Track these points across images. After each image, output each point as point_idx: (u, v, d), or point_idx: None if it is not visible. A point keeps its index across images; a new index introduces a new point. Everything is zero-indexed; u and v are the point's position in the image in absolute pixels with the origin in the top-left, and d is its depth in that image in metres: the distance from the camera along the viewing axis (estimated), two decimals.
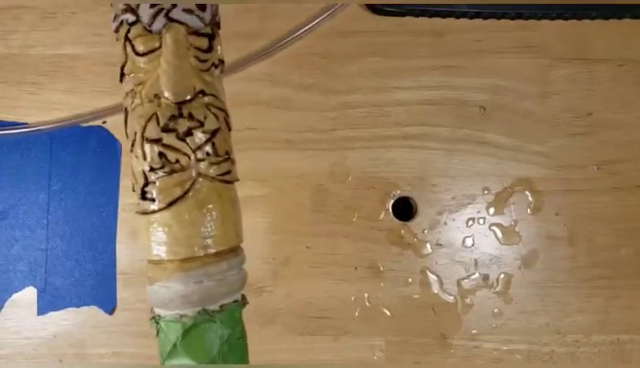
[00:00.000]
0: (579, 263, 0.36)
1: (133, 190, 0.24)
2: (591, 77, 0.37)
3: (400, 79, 0.37)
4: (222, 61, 0.26)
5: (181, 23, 0.24)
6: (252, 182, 0.36)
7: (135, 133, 0.24)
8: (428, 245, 0.37)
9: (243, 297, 0.25)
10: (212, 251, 0.24)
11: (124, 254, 0.36)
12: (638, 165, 0.37)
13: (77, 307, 0.36)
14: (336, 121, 0.37)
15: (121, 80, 0.25)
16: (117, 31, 0.25)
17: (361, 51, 0.37)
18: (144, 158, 0.24)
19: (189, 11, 0.25)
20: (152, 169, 0.24)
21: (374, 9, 0.37)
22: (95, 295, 0.36)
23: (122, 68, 0.25)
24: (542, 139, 0.37)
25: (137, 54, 0.24)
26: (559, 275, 0.36)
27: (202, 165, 0.24)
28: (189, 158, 0.24)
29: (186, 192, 0.24)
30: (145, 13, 0.24)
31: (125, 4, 0.24)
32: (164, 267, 0.24)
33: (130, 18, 0.24)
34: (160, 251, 0.24)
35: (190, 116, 0.24)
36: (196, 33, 0.25)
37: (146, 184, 0.24)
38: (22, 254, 0.36)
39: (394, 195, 0.37)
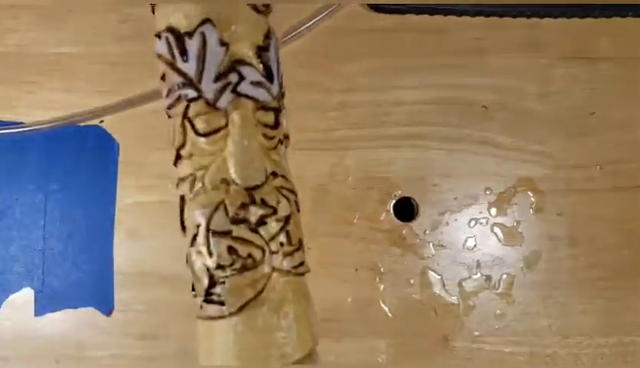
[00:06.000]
0: (582, 264, 0.36)
1: (193, 290, 0.21)
2: (593, 76, 0.37)
3: (401, 78, 0.37)
4: (287, 136, 0.23)
5: (249, 98, 0.22)
6: None
7: (198, 226, 0.21)
8: (430, 246, 0.36)
9: None
10: (290, 360, 0.20)
11: (122, 254, 0.36)
12: None
13: (75, 308, 0.36)
14: (336, 121, 0.37)
15: (176, 163, 0.22)
16: (171, 107, 0.22)
17: (362, 50, 0.37)
18: (210, 254, 0.21)
19: (258, 84, 0.22)
20: (219, 267, 0.21)
21: (375, 7, 0.37)
22: (92, 296, 0.36)
23: (178, 150, 0.22)
24: (544, 139, 0.37)
25: (198, 134, 0.21)
26: (561, 276, 0.36)
27: (276, 258, 0.21)
28: (264, 251, 0.21)
29: (260, 292, 0.21)
30: (209, 88, 0.21)
31: (185, 79, 0.21)
32: None
33: (191, 93, 0.21)
34: (229, 362, 0.20)
35: (263, 203, 0.21)
36: (263, 108, 0.22)
37: (213, 284, 0.21)
38: (19, 255, 0.36)
39: (395, 196, 0.37)
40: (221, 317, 0.21)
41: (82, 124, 0.36)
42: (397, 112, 0.37)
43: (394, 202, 0.37)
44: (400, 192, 0.37)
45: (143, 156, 0.36)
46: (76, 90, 0.37)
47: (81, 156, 0.36)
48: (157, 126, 0.36)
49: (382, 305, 0.36)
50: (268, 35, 0.23)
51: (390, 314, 0.36)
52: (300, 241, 0.22)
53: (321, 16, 0.36)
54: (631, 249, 0.36)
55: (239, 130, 0.21)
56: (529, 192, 0.37)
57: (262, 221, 0.21)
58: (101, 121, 0.37)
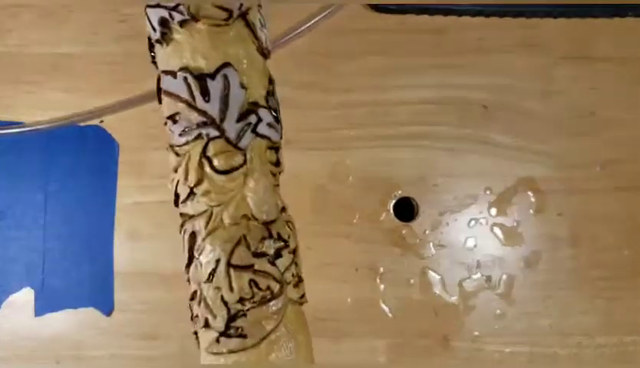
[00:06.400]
0: (582, 264, 0.36)
1: (206, 326, 0.22)
2: (594, 76, 0.37)
3: (401, 78, 0.37)
4: (280, 173, 0.25)
5: (265, 138, 0.23)
6: None
7: (217, 261, 0.22)
8: (430, 246, 0.36)
9: None
10: None
11: (122, 255, 0.36)
12: None
13: (75, 308, 0.36)
14: (336, 120, 0.37)
15: (185, 201, 0.23)
16: (185, 144, 0.22)
17: (362, 50, 0.37)
18: (231, 289, 0.21)
19: (270, 125, 0.23)
20: (240, 300, 0.21)
21: (376, 7, 0.37)
22: (92, 296, 0.36)
23: (192, 188, 0.22)
24: (544, 139, 0.37)
25: (218, 172, 0.22)
26: (561, 276, 0.36)
27: (289, 288, 0.23)
28: (281, 283, 0.22)
29: (279, 323, 0.22)
30: (231, 128, 0.22)
31: (206, 118, 0.22)
32: None
33: (213, 132, 0.22)
34: None
35: (278, 237, 0.23)
36: (270, 147, 0.23)
37: (232, 318, 0.21)
38: (19, 255, 0.36)
39: (395, 196, 0.37)
40: (242, 350, 0.21)
41: (82, 124, 0.36)
42: (397, 112, 0.37)
43: (394, 202, 0.37)
44: (400, 192, 0.37)
45: (143, 155, 0.36)
46: (76, 90, 0.37)
47: (81, 156, 0.36)
48: (157, 126, 0.36)
49: (382, 305, 0.36)
50: (270, 80, 0.24)
51: (390, 314, 0.36)
52: (301, 272, 0.24)
53: (321, 16, 0.36)
54: (632, 249, 0.36)
55: (258, 168, 0.22)
56: (529, 192, 0.37)
57: (278, 254, 0.22)
58: (101, 121, 0.37)
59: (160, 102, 0.23)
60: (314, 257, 0.36)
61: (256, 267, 0.22)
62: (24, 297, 0.36)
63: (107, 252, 0.36)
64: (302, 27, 0.36)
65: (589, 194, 0.37)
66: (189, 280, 0.23)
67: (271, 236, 0.22)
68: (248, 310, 0.21)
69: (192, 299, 0.23)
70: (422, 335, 0.36)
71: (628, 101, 0.37)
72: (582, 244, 0.36)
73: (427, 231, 0.36)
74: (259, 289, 0.22)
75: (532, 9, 0.36)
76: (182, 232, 0.23)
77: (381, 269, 0.36)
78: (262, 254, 0.22)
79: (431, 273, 0.36)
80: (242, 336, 0.21)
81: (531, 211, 0.37)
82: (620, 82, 0.37)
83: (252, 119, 0.23)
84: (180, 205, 0.23)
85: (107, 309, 0.36)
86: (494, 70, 0.37)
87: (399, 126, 0.37)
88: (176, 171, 0.23)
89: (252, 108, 0.23)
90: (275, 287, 0.22)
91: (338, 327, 0.36)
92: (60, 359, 0.36)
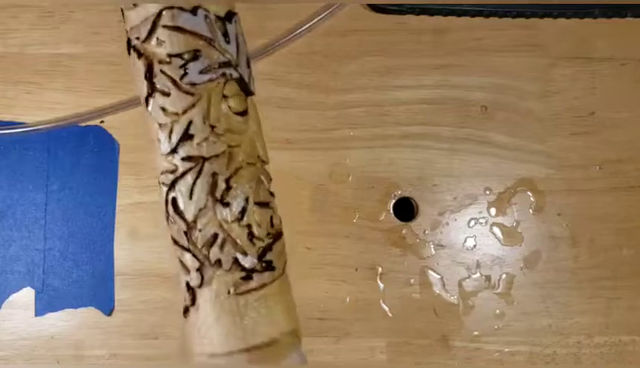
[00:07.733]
0: (581, 263, 0.36)
1: (234, 265, 0.22)
2: (593, 76, 0.37)
3: (401, 78, 0.37)
4: None
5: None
6: None
7: (247, 199, 0.22)
8: (429, 246, 0.36)
9: None
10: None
11: (122, 254, 0.36)
12: None
13: (75, 308, 0.36)
14: (336, 120, 0.37)
15: (200, 142, 0.22)
16: (199, 84, 0.22)
17: (362, 50, 0.37)
18: (259, 225, 0.22)
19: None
20: (268, 235, 0.22)
21: (375, 7, 0.37)
22: (93, 296, 0.36)
23: (214, 127, 0.22)
24: (543, 139, 0.37)
25: (235, 112, 0.22)
26: (561, 276, 0.36)
27: None
28: (280, 220, 0.23)
29: (286, 255, 0.23)
30: (245, 72, 0.23)
31: (226, 58, 0.22)
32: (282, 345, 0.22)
33: (234, 73, 0.22)
34: (283, 323, 0.22)
35: (270, 179, 0.24)
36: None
37: (264, 253, 0.22)
38: (20, 255, 0.36)
39: (394, 196, 0.37)
40: (272, 281, 0.22)
41: (83, 124, 0.37)
42: (397, 112, 0.37)
43: (393, 201, 0.37)
44: (400, 192, 0.37)
45: (143, 155, 0.36)
46: (76, 91, 0.37)
47: (82, 156, 0.36)
48: None
49: (382, 305, 0.36)
50: None
51: (390, 314, 0.36)
52: None
53: (321, 16, 0.36)
54: (631, 249, 0.36)
55: (256, 115, 0.23)
56: (528, 192, 0.37)
57: (272, 194, 0.23)
58: (102, 121, 0.37)
59: (147, 39, 0.22)
60: (314, 257, 0.36)
61: (270, 204, 0.23)
62: (25, 296, 0.36)
63: (108, 252, 0.36)
64: (302, 28, 0.36)
65: (588, 194, 0.37)
66: (194, 227, 0.22)
67: (269, 178, 0.24)
68: (273, 243, 0.22)
69: (211, 245, 0.22)
70: (422, 335, 0.36)
71: (627, 101, 0.37)
72: (582, 244, 0.36)
73: (427, 231, 0.36)
74: (273, 224, 0.23)
75: (532, 10, 0.36)
76: (191, 176, 0.22)
77: (381, 269, 0.36)
78: (272, 194, 0.23)
79: (431, 273, 0.36)
80: (272, 268, 0.22)
81: (530, 211, 0.37)
82: (619, 82, 0.37)
83: (250, 67, 0.23)
84: (195, 147, 0.22)
85: (108, 308, 0.36)
86: (493, 70, 0.37)
87: (399, 126, 0.37)
88: (184, 112, 0.22)
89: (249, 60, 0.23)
90: (279, 223, 0.23)
91: (338, 327, 0.36)
92: (60, 358, 0.36)
